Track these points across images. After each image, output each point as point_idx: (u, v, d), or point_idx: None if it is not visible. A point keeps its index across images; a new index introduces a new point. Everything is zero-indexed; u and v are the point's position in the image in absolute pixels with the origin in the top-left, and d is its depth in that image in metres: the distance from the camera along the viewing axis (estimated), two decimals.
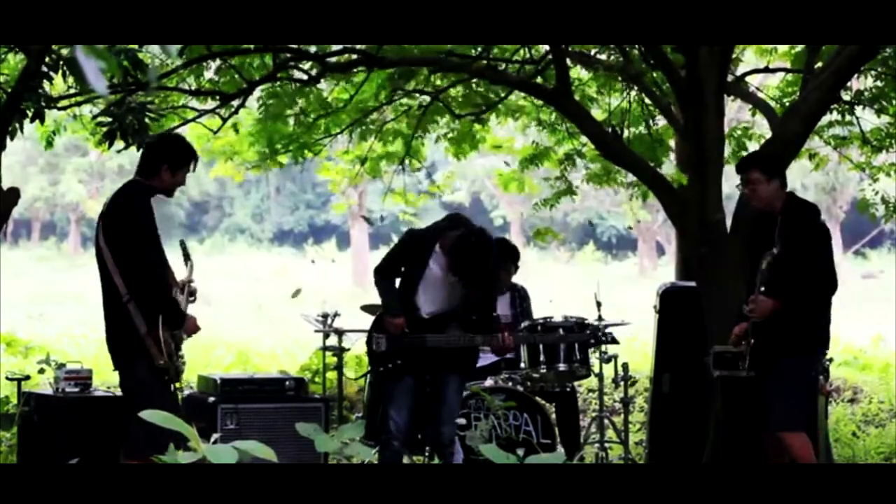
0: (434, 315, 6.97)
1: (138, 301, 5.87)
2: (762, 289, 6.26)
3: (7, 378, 7.95)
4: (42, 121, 6.23)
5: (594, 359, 8.15)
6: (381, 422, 6.96)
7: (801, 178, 33.51)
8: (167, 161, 6.07)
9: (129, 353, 5.99)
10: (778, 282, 6.23)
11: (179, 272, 6.24)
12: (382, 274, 7.09)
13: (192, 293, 6.22)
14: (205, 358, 12.54)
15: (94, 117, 7.32)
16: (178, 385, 6.13)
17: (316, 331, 8.59)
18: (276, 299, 23.80)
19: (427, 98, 9.54)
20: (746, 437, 6.91)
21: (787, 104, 9.32)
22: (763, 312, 6.28)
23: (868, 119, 9.82)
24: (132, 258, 5.87)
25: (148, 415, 2.97)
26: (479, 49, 8.92)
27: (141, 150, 6.24)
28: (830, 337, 6.67)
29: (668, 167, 10.05)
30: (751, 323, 6.38)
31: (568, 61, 8.54)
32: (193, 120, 8.88)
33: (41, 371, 7.58)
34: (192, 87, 8.72)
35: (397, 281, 7.10)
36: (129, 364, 6.03)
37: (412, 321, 6.93)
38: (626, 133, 9.40)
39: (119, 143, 6.34)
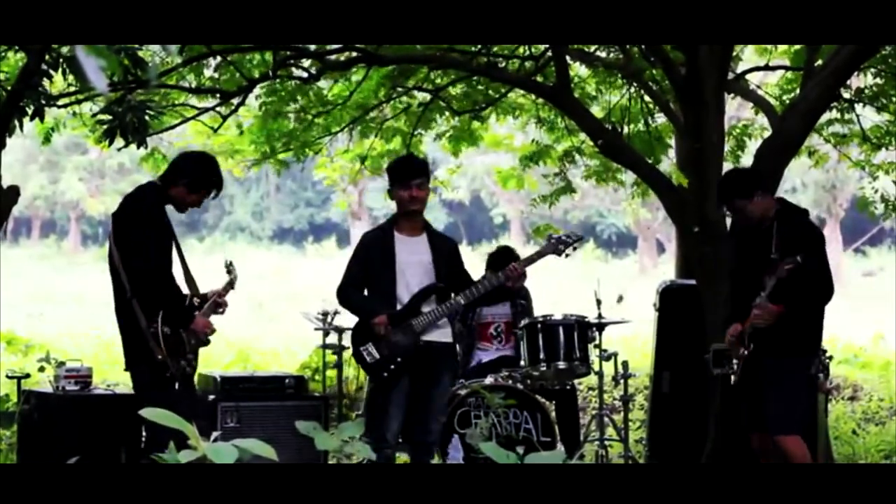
0: (411, 298, 6.70)
1: (139, 296, 5.89)
2: (764, 294, 6.19)
3: (7, 376, 7.95)
4: (42, 119, 6.23)
5: (594, 356, 8.16)
6: (376, 427, 6.74)
7: (800, 175, 33.52)
8: (188, 178, 6.12)
9: (133, 355, 6.02)
10: (779, 287, 6.16)
11: (216, 285, 6.31)
12: (345, 290, 6.79)
13: (220, 305, 6.25)
14: (205, 356, 12.51)
15: (94, 115, 7.32)
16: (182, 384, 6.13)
17: (316, 329, 8.59)
18: (276, 297, 23.81)
19: (427, 95, 9.55)
20: (746, 436, 6.92)
21: (787, 102, 9.34)
22: (770, 319, 6.22)
23: (868, 117, 9.83)
24: (133, 253, 5.90)
25: (148, 413, 2.98)
26: (479, 46, 8.92)
27: (173, 159, 6.32)
28: (822, 339, 6.57)
29: (667, 165, 10.06)
30: (749, 326, 6.36)
31: (568, 59, 8.55)
32: (193, 118, 8.89)
33: (41, 369, 7.59)
34: (192, 85, 8.73)
35: (364, 290, 6.83)
36: (134, 367, 6.07)
37: (392, 316, 6.65)
38: (625, 130, 9.40)
39: (119, 141, 6.34)
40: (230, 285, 6.34)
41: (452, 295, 6.75)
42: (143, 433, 6.66)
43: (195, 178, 6.13)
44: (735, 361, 6.48)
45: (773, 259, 6.22)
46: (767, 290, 6.18)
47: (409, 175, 6.73)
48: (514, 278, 6.75)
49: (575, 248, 6.94)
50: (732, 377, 6.50)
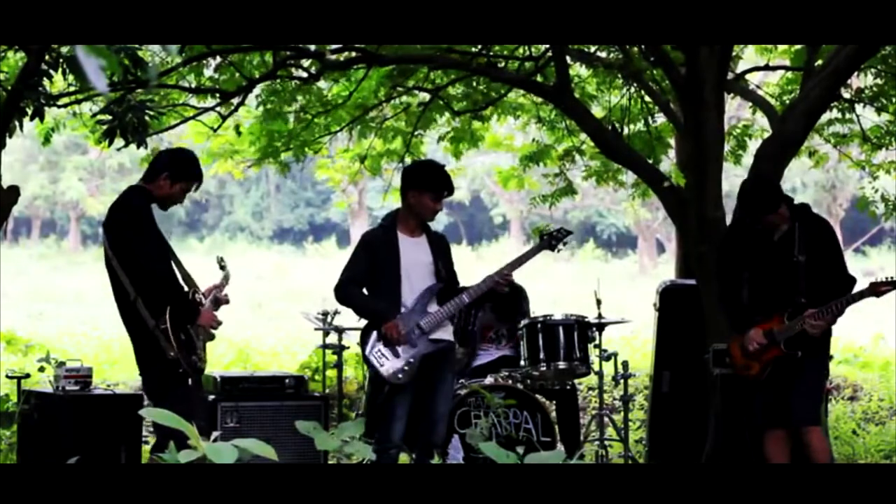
0: (417, 299, 6.70)
1: (143, 296, 5.90)
2: (803, 300, 6.41)
3: (7, 376, 7.94)
4: (42, 118, 6.24)
5: (594, 356, 8.16)
6: (382, 427, 6.71)
7: (800, 175, 33.53)
8: (168, 170, 6.15)
9: (144, 357, 6.04)
10: (814, 289, 6.42)
11: (212, 281, 6.35)
12: (347, 287, 6.70)
13: (219, 299, 6.29)
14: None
15: (94, 115, 7.32)
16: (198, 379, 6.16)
17: (316, 329, 8.59)
18: (276, 297, 23.81)
19: (426, 95, 9.55)
20: (746, 435, 6.93)
21: (787, 102, 9.34)
22: (822, 330, 6.44)
23: (868, 117, 9.82)
24: (132, 254, 5.91)
25: (148, 413, 2.98)
26: (479, 46, 8.93)
27: (151, 157, 6.34)
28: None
29: (667, 165, 10.07)
30: (785, 331, 6.46)
31: (568, 59, 8.55)
32: (193, 118, 8.88)
33: (41, 369, 7.58)
34: (192, 85, 8.73)
35: (364, 289, 6.77)
36: (145, 370, 6.09)
37: (401, 318, 6.64)
38: (625, 130, 9.40)
39: (119, 141, 6.35)
40: (226, 280, 6.38)
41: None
42: (149, 433, 6.67)
43: (173, 169, 6.16)
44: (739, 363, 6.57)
45: (798, 262, 6.43)
46: (800, 294, 6.41)
47: (443, 188, 6.75)
48: (505, 282, 6.82)
49: (565, 243, 7.13)
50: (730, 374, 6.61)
